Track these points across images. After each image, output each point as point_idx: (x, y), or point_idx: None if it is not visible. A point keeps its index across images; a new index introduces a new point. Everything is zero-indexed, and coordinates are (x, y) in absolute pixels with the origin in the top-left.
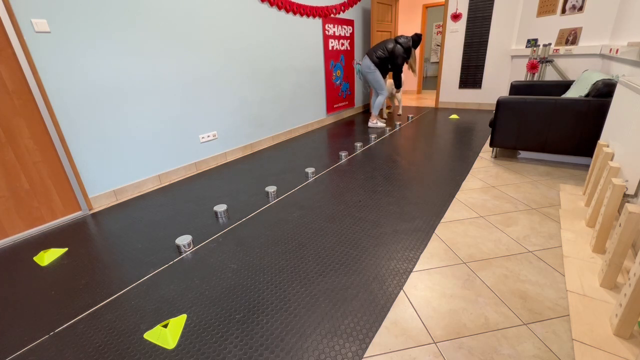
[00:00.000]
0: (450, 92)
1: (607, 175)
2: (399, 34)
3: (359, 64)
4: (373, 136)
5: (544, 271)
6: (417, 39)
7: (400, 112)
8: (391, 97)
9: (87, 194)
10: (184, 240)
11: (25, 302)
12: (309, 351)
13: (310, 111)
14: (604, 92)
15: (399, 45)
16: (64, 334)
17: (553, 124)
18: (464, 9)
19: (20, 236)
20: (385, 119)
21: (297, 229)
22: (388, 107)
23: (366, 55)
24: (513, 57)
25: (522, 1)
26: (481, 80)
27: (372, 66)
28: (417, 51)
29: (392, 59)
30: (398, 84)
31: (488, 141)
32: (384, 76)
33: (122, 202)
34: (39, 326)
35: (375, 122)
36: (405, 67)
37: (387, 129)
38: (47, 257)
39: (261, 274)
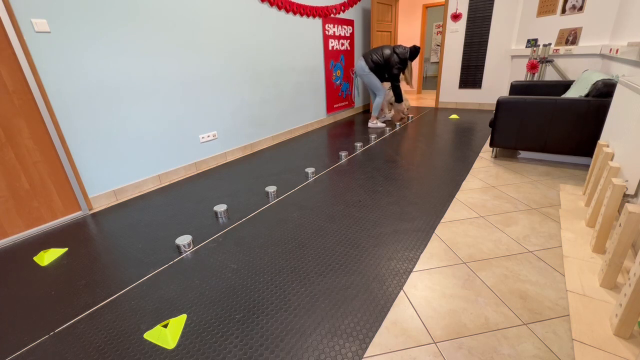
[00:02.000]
0: (450, 92)
1: (607, 175)
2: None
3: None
4: (373, 136)
5: (544, 271)
6: (414, 51)
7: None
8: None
9: (87, 194)
10: (184, 240)
11: (25, 302)
12: (309, 351)
13: (310, 111)
14: (603, 92)
15: (395, 55)
16: (64, 334)
17: (553, 124)
18: (464, 9)
19: (20, 236)
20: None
21: (297, 229)
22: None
23: (362, 57)
24: (513, 57)
25: (522, 1)
26: (481, 80)
27: (367, 69)
28: (415, 61)
29: (388, 68)
30: (399, 98)
31: (488, 141)
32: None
33: (122, 202)
34: (39, 326)
35: (375, 123)
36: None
37: (387, 129)
38: (47, 257)
39: (261, 274)
